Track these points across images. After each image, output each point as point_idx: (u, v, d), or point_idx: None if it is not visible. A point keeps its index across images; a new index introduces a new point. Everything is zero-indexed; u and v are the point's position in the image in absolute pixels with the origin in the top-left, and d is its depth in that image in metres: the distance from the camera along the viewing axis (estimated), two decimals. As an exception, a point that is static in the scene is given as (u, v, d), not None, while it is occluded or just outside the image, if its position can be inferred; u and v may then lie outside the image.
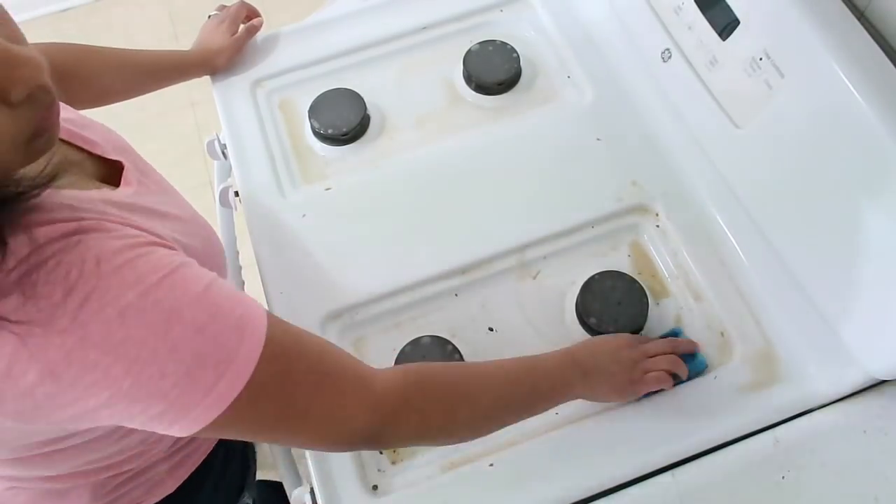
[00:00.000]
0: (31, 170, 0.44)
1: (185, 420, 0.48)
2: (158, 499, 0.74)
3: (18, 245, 0.44)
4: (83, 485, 0.67)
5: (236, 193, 0.90)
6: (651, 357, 0.71)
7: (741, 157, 0.77)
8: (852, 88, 0.61)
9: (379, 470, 0.71)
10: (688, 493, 0.67)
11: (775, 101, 0.69)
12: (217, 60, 0.94)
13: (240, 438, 0.55)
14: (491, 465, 0.70)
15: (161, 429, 0.49)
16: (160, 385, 0.46)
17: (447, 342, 0.75)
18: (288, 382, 0.52)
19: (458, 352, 0.74)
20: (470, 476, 0.69)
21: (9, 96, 0.40)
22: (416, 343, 0.75)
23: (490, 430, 0.65)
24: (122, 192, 0.57)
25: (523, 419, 0.66)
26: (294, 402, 0.53)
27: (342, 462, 0.70)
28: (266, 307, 0.78)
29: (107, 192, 0.56)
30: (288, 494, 0.76)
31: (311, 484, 0.72)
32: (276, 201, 0.86)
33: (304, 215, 0.85)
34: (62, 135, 0.57)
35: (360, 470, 0.70)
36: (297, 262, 0.82)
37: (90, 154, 0.60)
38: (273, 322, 0.52)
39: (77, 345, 0.44)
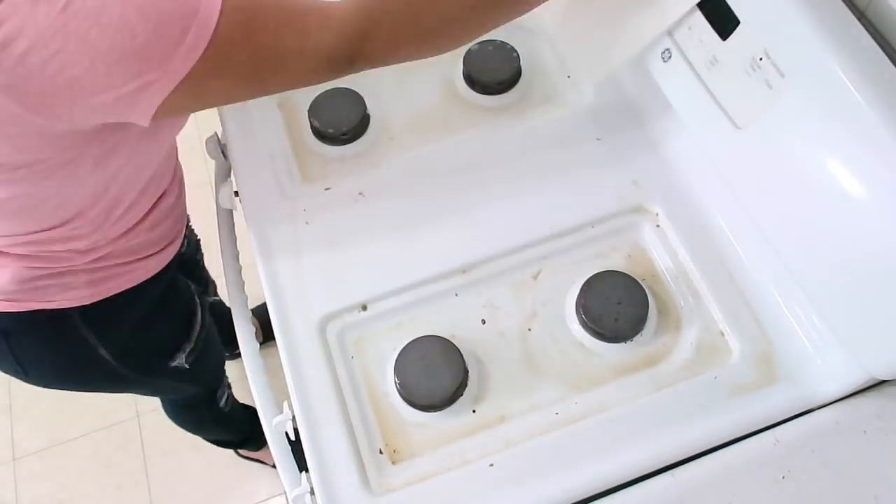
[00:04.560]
0: None
1: (163, 79, 0.56)
2: (73, 304, 0.83)
3: None
4: (7, 259, 0.77)
5: (236, 193, 0.90)
6: None
7: (741, 157, 0.77)
8: (852, 88, 0.61)
9: (379, 470, 0.71)
10: (688, 493, 0.67)
11: (775, 101, 0.69)
12: None
13: (221, 99, 0.65)
14: (491, 465, 0.70)
15: (143, 104, 0.57)
16: (133, 44, 0.54)
17: (447, 342, 0.75)
18: (252, 27, 0.58)
19: (459, 352, 0.74)
20: (470, 476, 0.69)
21: None
22: (416, 343, 0.75)
23: (469, 30, 0.68)
24: None
25: (505, 16, 0.70)
26: (263, 44, 0.59)
27: (342, 462, 0.70)
28: (266, 307, 0.79)
29: None
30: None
31: (310, 484, 0.72)
32: (275, 201, 0.86)
33: (304, 215, 0.85)
34: None
35: (360, 470, 0.70)
36: (296, 262, 0.82)
37: None
38: None
39: (59, 15, 0.52)
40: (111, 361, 0.91)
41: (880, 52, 0.63)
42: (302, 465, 0.74)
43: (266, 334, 1.19)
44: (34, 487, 1.57)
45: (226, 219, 0.92)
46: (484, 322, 0.79)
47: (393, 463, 0.72)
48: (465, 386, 0.74)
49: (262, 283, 0.81)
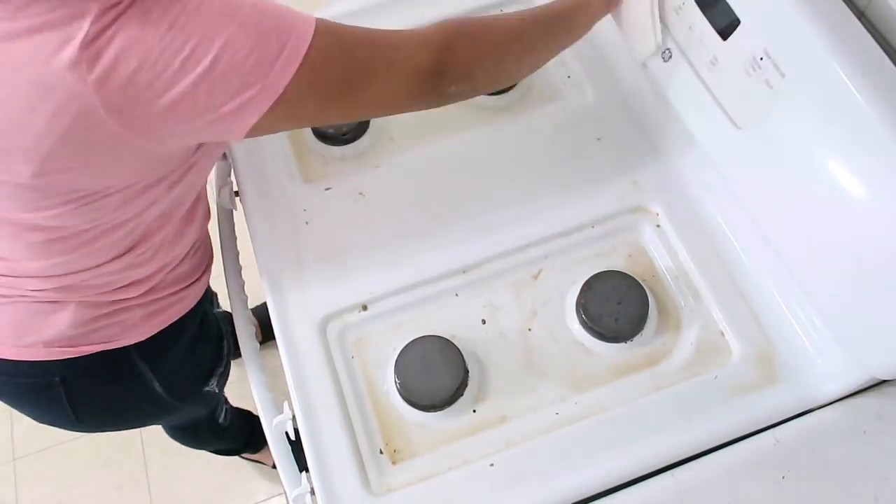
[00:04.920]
0: None
1: (261, 95, 0.58)
2: (131, 342, 0.81)
3: None
4: (67, 304, 0.75)
5: (236, 193, 0.90)
6: None
7: (741, 157, 0.77)
8: (852, 88, 0.61)
9: (379, 470, 0.71)
10: (688, 493, 0.67)
11: (775, 101, 0.69)
12: None
13: (313, 115, 0.66)
14: (491, 465, 0.70)
15: (241, 120, 0.59)
16: (234, 57, 0.56)
17: (447, 342, 0.75)
18: (344, 44, 0.62)
19: (459, 352, 0.74)
20: (470, 476, 0.69)
21: None
22: (416, 343, 0.75)
23: (536, 68, 0.76)
24: None
25: (564, 47, 0.76)
26: (355, 57, 0.62)
27: (342, 462, 0.70)
28: (266, 307, 0.79)
29: None
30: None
31: (310, 484, 0.72)
32: (275, 201, 0.86)
33: (304, 215, 0.85)
34: None
35: (361, 470, 0.70)
36: (297, 262, 0.82)
37: None
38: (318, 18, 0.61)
39: (165, 33, 0.54)
40: (162, 394, 0.90)
41: (880, 52, 0.63)
42: (302, 465, 0.74)
43: (266, 334, 1.20)
44: (34, 487, 1.57)
45: (226, 219, 0.92)
46: (484, 322, 0.79)
47: (393, 463, 0.72)
48: (465, 386, 0.74)
49: (262, 283, 0.81)
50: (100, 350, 0.80)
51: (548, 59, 0.77)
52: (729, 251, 0.79)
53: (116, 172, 0.63)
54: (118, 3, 0.53)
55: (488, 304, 0.79)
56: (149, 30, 0.53)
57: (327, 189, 0.87)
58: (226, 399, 1.24)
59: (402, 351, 0.75)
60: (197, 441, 1.33)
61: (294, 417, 0.74)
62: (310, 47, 0.58)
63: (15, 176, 0.60)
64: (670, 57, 0.81)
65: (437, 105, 0.71)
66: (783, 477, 0.67)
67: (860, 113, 0.61)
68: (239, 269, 0.89)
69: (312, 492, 0.71)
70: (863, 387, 0.70)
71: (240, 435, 1.37)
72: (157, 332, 0.84)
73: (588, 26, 0.77)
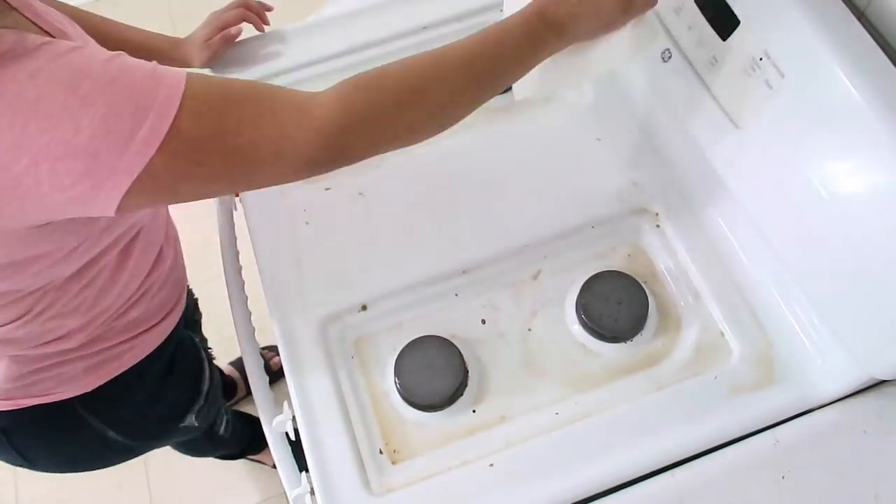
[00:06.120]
0: None
1: (115, 177, 0.49)
2: (75, 393, 0.77)
3: None
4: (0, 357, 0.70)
5: (236, 193, 0.90)
6: None
7: (741, 157, 0.77)
8: (852, 88, 0.61)
9: (379, 470, 0.71)
10: (688, 493, 0.67)
11: (775, 101, 0.69)
12: (189, 56, 0.91)
13: (191, 197, 0.55)
14: (491, 465, 0.70)
15: (101, 200, 0.50)
16: (77, 139, 0.47)
17: (447, 342, 0.75)
18: (220, 127, 0.52)
19: (459, 352, 0.74)
20: (470, 476, 0.69)
21: None
22: (416, 343, 0.75)
23: (456, 117, 0.62)
24: None
25: (494, 93, 0.62)
26: (233, 145, 0.52)
27: (342, 462, 0.70)
28: (266, 307, 0.79)
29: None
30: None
31: (310, 484, 0.72)
32: (276, 201, 0.86)
33: (304, 215, 0.85)
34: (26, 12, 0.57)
35: (361, 470, 0.70)
36: (296, 262, 0.82)
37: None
38: (193, 77, 0.52)
39: (3, 109, 0.46)
40: (122, 441, 0.85)
41: (880, 52, 0.63)
42: (302, 465, 0.74)
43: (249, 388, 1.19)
44: (34, 487, 1.57)
45: (226, 219, 0.92)
46: (484, 322, 0.79)
47: (393, 463, 0.72)
48: (465, 386, 0.74)
49: (262, 283, 0.81)
50: (38, 403, 0.76)
51: (482, 101, 0.63)
52: (729, 251, 0.79)
53: None
54: None
55: (488, 305, 0.79)
56: None
57: (327, 189, 0.87)
58: (227, 409, 1.23)
59: (402, 351, 0.75)
60: (197, 451, 1.30)
61: (294, 417, 0.74)
62: (171, 129, 0.49)
63: None
64: (670, 57, 0.81)
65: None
66: (783, 477, 0.66)
67: (860, 113, 0.61)
68: (239, 268, 0.89)
69: (312, 492, 0.71)
70: (862, 387, 0.70)
71: (241, 441, 1.35)
72: (107, 382, 0.78)
73: (533, 65, 0.64)
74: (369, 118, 0.58)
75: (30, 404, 0.76)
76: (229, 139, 0.52)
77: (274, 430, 0.76)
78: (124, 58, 0.51)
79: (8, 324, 0.68)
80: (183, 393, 0.92)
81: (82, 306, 0.71)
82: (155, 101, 0.49)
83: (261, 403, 0.79)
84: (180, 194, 0.54)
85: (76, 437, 0.82)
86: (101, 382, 0.78)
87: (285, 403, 0.77)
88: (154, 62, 0.52)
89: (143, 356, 0.81)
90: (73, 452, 0.85)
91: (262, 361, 0.82)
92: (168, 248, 0.82)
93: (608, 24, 0.65)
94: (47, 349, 0.73)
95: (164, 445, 1.02)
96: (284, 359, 0.76)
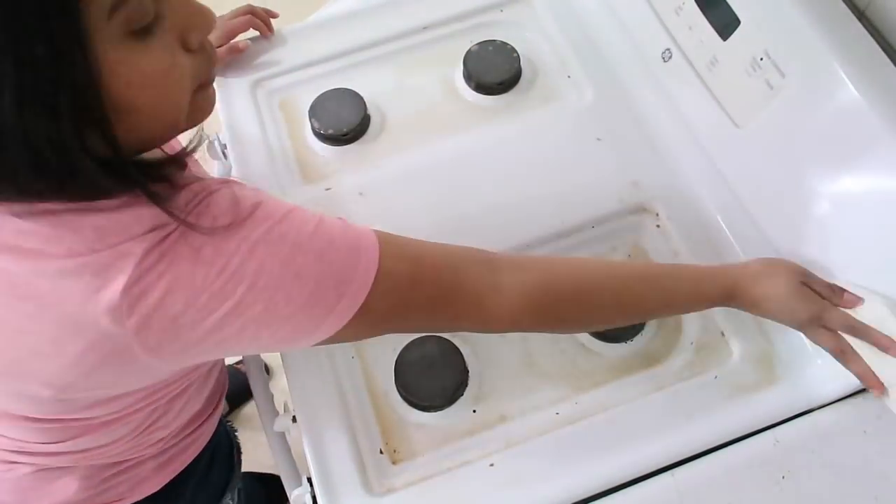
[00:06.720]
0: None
1: (309, 339, 0.54)
2: (142, 496, 0.75)
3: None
4: (75, 469, 0.69)
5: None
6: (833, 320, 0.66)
7: (741, 157, 0.77)
8: (852, 88, 0.61)
9: (379, 470, 0.71)
10: (688, 493, 0.67)
11: (775, 101, 0.69)
12: None
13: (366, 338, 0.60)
14: (491, 465, 0.70)
15: (287, 344, 0.55)
16: (287, 310, 0.51)
17: (447, 342, 0.75)
18: (405, 308, 0.57)
19: (459, 352, 0.74)
20: (470, 476, 0.69)
21: (189, 41, 0.46)
22: (416, 343, 0.75)
23: (627, 320, 0.71)
24: None
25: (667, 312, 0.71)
26: (415, 325, 0.61)
27: (342, 462, 0.70)
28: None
29: None
30: (288, 493, 0.76)
31: (310, 484, 0.72)
32: (276, 201, 0.86)
33: (304, 215, 0.85)
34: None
35: (361, 470, 0.70)
36: (297, 262, 0.81)
37: None
38: (384, 247, 0.56)
39: (216, 278, 0.49)
40: None
41: (880, 52, 0.63)
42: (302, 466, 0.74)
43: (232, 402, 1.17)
44: (34, 487, 1.57)
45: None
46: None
47: (393, 463, 0.72)
48: (465, 386, 0.74)
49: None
50: None
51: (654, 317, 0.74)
52: (729, 251, 0.79)
53: (143, 381, 0.59)
54: (164, 240, 0.48)
55: (488, 304, 0.79)
56: (198, 270, 0.48)
57: (327, 189, 0.87)
58: (240, 476, 1.18)
59: (402, 351, 0.75)
60: None
61: (294, 417, 0.74)
62: (363, 305, 0.54)
63: (32, 393, 0.55)
64: (670, 57, 0.81)
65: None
66: (783, 477, 0.66)
67: (860, 113, 0.61)
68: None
69: (313, 492, 0.71)
70: (862, 387, 0.70)
71: None
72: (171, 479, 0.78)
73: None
74: (547, 324, 0.65)
75: None
76: (411, 315, 0.58)
77: (274, 430, 0.76)
78: (325, 226, 0.54)
79: (104, 446, 0.67)
80: (222, 474, 0.91)
81: (180, 416, 0.73)
82: (355, 275, 0.53)
83: (261, 403, 0.79)
84: (353, 337, 0.58)
85: None
86: (168, 480, 0.77)
87: (285, 403, 0.77)
88: (344, 219, 0.57)
89: (203, 446, 0.81)
90: None
91: (263, 362, 0.82)
92: None
93: (791, 323, 0.68)
94: (127, 455, 0.71)
95: None
96: (284, 359, 0.76)
